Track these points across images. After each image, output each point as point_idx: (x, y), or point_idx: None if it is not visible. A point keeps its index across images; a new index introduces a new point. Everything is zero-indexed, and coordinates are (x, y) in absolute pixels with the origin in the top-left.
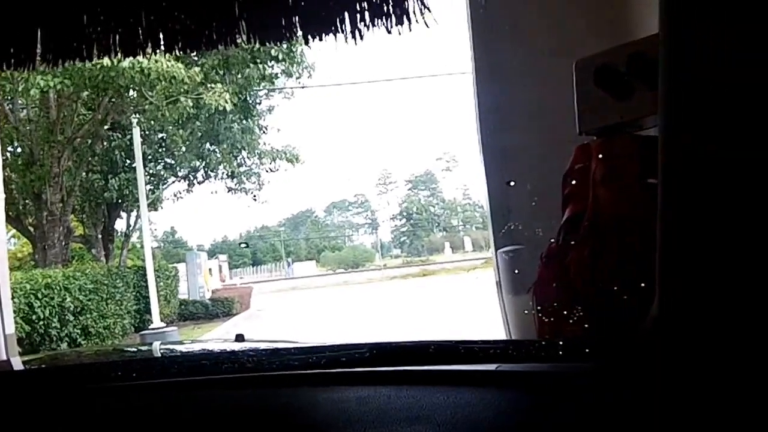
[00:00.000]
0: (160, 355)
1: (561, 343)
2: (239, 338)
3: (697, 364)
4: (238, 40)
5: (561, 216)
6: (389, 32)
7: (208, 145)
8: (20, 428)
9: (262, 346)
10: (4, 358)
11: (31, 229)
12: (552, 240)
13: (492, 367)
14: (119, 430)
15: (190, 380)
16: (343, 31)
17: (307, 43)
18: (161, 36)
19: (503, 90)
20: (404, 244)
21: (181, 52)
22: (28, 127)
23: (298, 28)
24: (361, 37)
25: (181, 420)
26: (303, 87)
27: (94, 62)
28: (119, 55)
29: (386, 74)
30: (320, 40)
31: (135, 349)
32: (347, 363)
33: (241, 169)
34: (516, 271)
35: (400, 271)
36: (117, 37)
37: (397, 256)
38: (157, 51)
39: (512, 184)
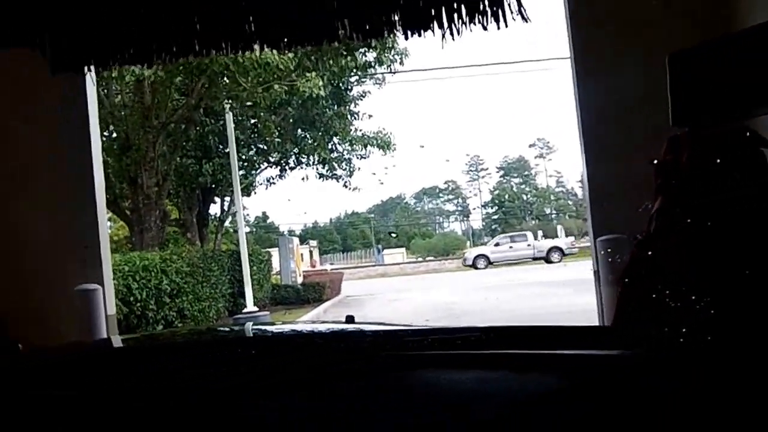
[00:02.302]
0: (267, 333)
1: (665, 329)
2: (349, 320)
3: None
4: (340, 35)
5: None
6: (485, 29)
7: (300, 131)
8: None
9: (374, 328)
10: (105, 336)
11: (128, 213)
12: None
13: (601, 352)
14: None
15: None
16: (441, 27)
17: (407, 38)
18: (267, 33)
19: (602, 79)
20: (495, 232)
21: (286, 49)
22: (123, 113)
23: (398, 25)
24: (459, 33)
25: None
26: (393, 73)
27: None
28: (229, 51)
29: (481, 60)
30: (419, 36)
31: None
32: (462, 345)
33: (333, 155)
34: (615, 259)
35: None
36: (226, 34)
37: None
38: (264, 46)
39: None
